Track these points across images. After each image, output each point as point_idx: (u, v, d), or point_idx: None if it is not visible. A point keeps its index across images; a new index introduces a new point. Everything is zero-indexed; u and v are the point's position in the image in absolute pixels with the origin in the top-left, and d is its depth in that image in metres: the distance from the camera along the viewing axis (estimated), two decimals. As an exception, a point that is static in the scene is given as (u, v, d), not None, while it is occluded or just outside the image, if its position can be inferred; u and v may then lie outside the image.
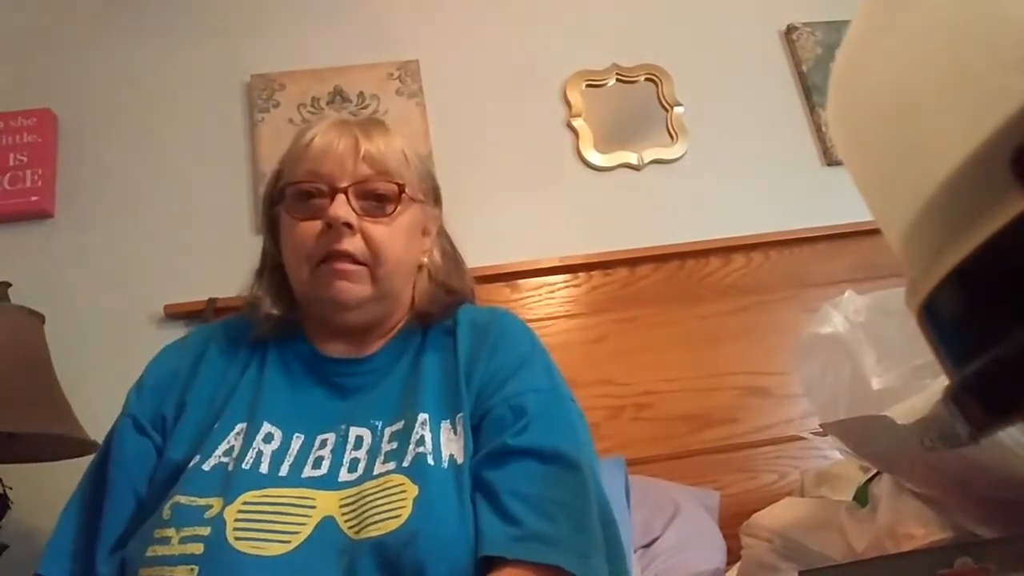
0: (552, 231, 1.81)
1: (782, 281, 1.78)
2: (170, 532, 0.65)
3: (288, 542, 0.64)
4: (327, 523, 0.66)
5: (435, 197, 0.91)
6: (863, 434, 0.77)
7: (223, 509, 0.66)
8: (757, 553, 0.94)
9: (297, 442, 0.74)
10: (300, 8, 1.98)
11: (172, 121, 1.85)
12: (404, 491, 0.67)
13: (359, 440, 0.74)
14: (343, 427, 0.76)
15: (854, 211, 1.69)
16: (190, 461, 0.72)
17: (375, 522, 0.65)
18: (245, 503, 0.66)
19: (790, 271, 1.79)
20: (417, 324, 0.86)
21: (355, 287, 0.78)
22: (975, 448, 0.63)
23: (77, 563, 0.72)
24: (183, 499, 0.67)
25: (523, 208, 1.83)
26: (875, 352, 0.79)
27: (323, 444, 0.74)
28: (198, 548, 0.63)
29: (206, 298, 1.61)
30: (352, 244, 0.78)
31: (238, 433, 0.74)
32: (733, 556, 1.19)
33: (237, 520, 0.65)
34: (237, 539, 0.64)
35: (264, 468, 0.71)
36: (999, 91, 0.20)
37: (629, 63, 2.00)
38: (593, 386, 1.62)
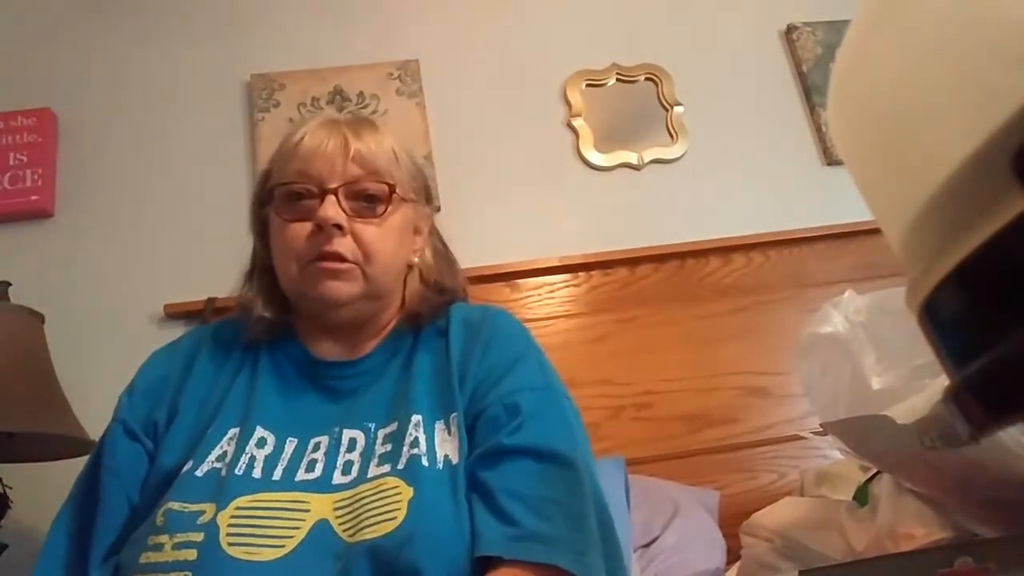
0: (552, 231, 1.81)
1: (782, 281, 1.78)
2: (163, 539, 0.64)
3: (282, 547, 0.64)
4: (321, 526, 0.66)
5: (426, 196, 0.90)
6: (863, 434, 0.77)
7: (216, 515, 0.65)
8: (757, 553, 0.94)
9: (290, 446, 0.74)
10: (300, 8, 1.98)
11: (172, 121, 1.85)
12: (399, 493, 0.66)
13: (352, 442, 0.74)
14: (336, 429, 0.75)
15: (854, 211, 1.69)
16: (183, 467, 0.71)
17: (370, 525, 0.64)
18: (238, 508, 0.66)
19: (790, 271, 1.79)
20: (408, 325, 0.86)
21: (345, 285, 0.78)
22: (975, 448, 0.63)
23: (70, 571, 0.72)
24: (176, 505, 0.67)
25: (523, 208, 1.83)
26: (875, 352, 0.79)
27: (316, 447, 0.74)
28: (191, 554, 0.63)
29: (206, 298, 1.61)
30: (342, 245, 0.77)
31: (231, 438, 0.73)
32: (733, 556, 1.19)
33: (230, 526, 0.64)
34: (231, 544, 0.63)
35: (257, 473, 0.70)
36: (999, 91, 0.20)
37: (629, 63, 2.00)
38: (593, 386, 1.62)
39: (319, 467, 0.71)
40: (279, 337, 0.85)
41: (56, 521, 0.76)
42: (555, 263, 1.74)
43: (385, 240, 0.80)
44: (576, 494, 0.69)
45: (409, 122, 1.86)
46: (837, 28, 2.03)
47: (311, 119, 0.84)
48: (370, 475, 0.70)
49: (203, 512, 0.66)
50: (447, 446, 0.72)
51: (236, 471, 0.70)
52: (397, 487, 0.67)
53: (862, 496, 0.85)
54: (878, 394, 0.75)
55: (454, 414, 0.74)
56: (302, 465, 0.72)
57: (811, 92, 1.99)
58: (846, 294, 0.87)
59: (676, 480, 1.49)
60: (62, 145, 1.80)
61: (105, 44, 1.90)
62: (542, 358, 0.83)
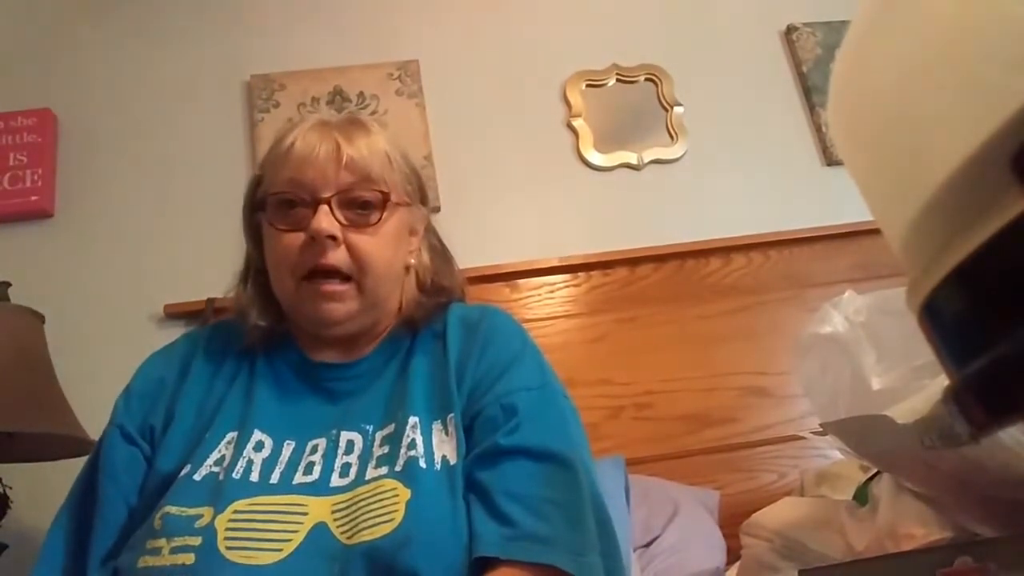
0: (552, 231, 1.81)
1: (782, 281, 1.78)
2: (161, 542, 0.64)
3: (280, 550, 0.64)
4: (319, 529, 0.66)
5: (421, 196, 0.88)
6: (863, 434, 0.77)
7: (214, 518, 0.65)
8: (757, 552, 0.94)
9: (288, 449, 0.73)
10: (300, 8, 1.98)
11: (172, 121, 1.85)
12: (397, 495, 0.66)
13: (350, 445, 0.74)
14: (333, 432, 0.75)
15: (854, 211, 1.70)
16: (180, 471, 0.71)
17: (368, 527, 0.64)
18: (236, 512, 0.66)
19: (790, 271, 1.79)
20: (405, 328, 0.85)
21: (341, 307, 0.77)
22: (975, 448, 0.63)
23: (68, 574, 0.71)
24: (173, 509, 0.66)
25: (523, 208, 1.83)
26: (875, 352, 0.79)
27: (314, 449, 0.73)
28: (189, 558, 0.62)
29: (206, 298, 1.61)
30: (337, 257, 0.76)
31: (228, 442, 0.73)
32: (733, 555, 1.19)
33: (228, 529, 0.64)
34: (228, 548, 0.63)
35: (255, 476, 0.70)
36: (999, 91, 0.20)
37: (629, 63, 2.00)
38: (593, 386, 1.62)
39: (317, 470, 0.71)
40: (275, 342, 0.84)
41: (54, 524, 0.75)
42: (555, 263, 1.74)
43: (380, 249, 0.79)
44: (574, 494, 0.69)
45: (409, 122, 1.86)
46: (837, 28, 2.03)
47: (301, 122, 0.83)
48: (368, 477, 0.70)
49: (201, 516, 0.65)
50: (445, 447, 0.72)
51: (234, 475, 0.69)
52: (395, 489, 0.67)
53: (862, 496, 0.85)
54: (878, 394, 0.75)
55: (451, 415, 0.74)
56: (300, 468, 0.72)
57: (811, 92, 1.99)
58: (846, 294, 0.87)
59: (676, 480, 1.49)
60: (62, 145, 1.80)
61: (105, 44, 1.90)
62: (540, 358, 0.82)
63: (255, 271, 0.87)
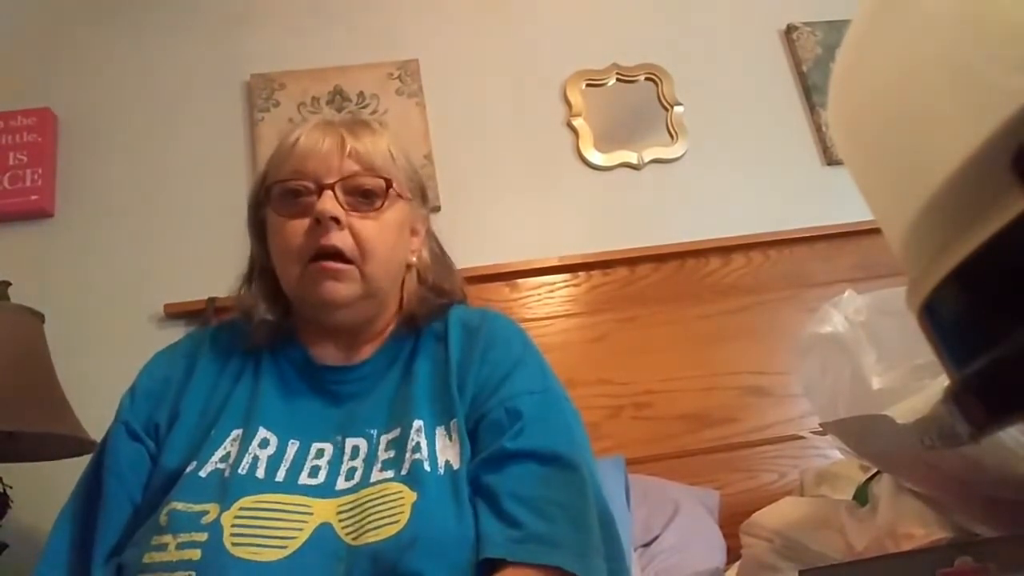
0: (552, 230, 1.81)
1: (782, 281, 1.78)
2: (167, 539, 0.65)
3: (285, 547, 0.64)
4: (324, 529, 0.66)
5: (422, 197, 0.90)
6: (863, 433, 0.77)
7: (220, 515, 0.65)
8: (757, 552, 0.94)
9: (292, 448, 0.74)
10: (300, 8, 1.98)
11: (172, 121, 1.85)
12: (402, 497, 0.67)
13: (355, 450, 0.74)
14: (339, 438, 0.75)
15: (854, 211, 1.70)
16: (186, 468, 0.71)
17: (373, 528, 0.65)
18: (242, 509, 0.66)
19: (790, 271, 1.79)
20: (407, 328, 0.86)
21: (343, 286, 0.78)
22: (975, 448, 0.63)
23: (72, 570, 0.72)
24: (180, 505, 0.67)
25: (523, 208, 1.83)
26: (875, 352, 0.79)
27: (320, 454, 0.74)
28: (195, 554, 0.63)
29: (206, 298, 1.61)
30: (340, 239, 0.77)
31: (234, 439, 0.74)
32: (733, 555, 1.19)
33: (234, 526, 0.65)
34: (234, 545, 0.63)
35: (260, 473, 0.71)
36: (999, 91, 0.20)
37: (629, 63, 2.00)
38: (593, 385, 1.62)
39: (323, 474, 0.72)
40: (280, 340, 0.85)
41: (58, 521, 0.76)
42: (555, 263, 1.74)
43: (382, 235, 0.80)
44: (579, 496, 0.70)
45: (409, 122, 1.86)
46: (837, 28, 2.03)
47: (306, 122, 0.85)
48: (373, 480, 0.70)
49: (207, 512, 0.66)
50: (448, 452, 0.72)
51: (239, 471, 0.70)
52: (400, 492, 0.68)
53: (862, 496, 0.85)
54: (878, 394, 0.75)
55: (454, 419, 0.75)
56: (305, 469, 0.72)
57: (811, 92, 1.99)
58: (846, 294, 0.87)
59: (676, 480, 1.49)
60: (62, 145, 1.80)
61: (105, 44, 1.90)
62: (541, 361, 0.83)
63: (260, 270, 0.88)
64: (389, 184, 0.81)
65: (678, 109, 1.96)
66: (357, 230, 0.78)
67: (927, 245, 0.24)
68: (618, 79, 1.99)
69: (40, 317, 1.41)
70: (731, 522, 1.19)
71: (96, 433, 1.28)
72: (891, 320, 0.79)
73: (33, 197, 1.71)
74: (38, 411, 1.28)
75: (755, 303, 1.76)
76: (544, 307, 1.73)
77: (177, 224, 1.75)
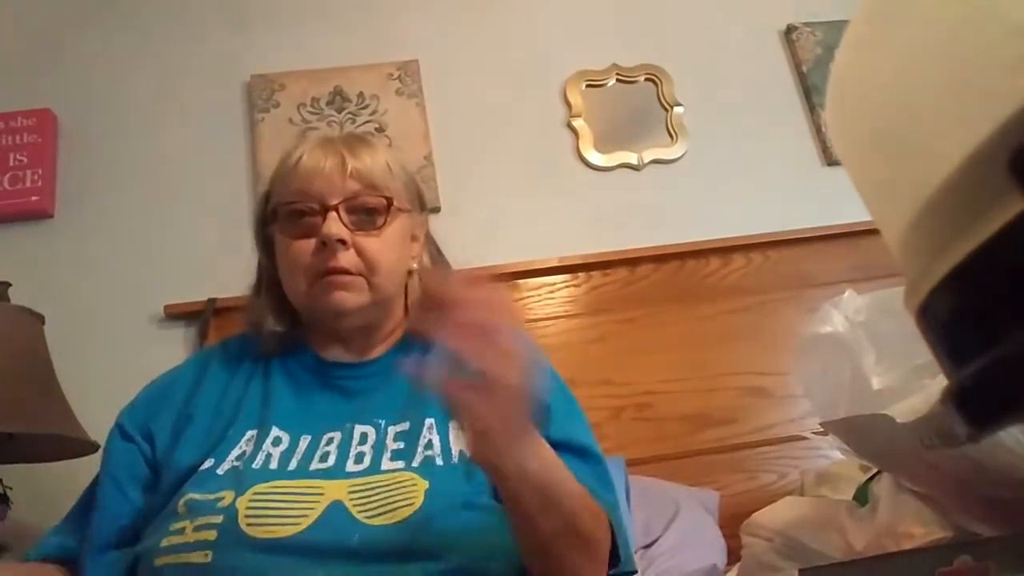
0: (552, 231, 1.81)
1: (782, 281, 1.78)
2: (184, 523, 0.68)
3: (298, 524, 0.67)
4: (336, 506, 0.69)
5: (420, 204, 0.93)
6: (863, 433, 0.77)
7: (235, 500, 0.68)
8: (757, 552, 0.94)
9: (304, 442, 0.77)
10: (300, 8, 1.98)
11: (172, 121, 1.85)
12: (415, 484, 0.70)
13: (363, 436, 0.77)
14: (348, 425, 0.78)
15: (854, 211, 1.69)
16: (201, 465, 0.74)
17: (388, 511, 0.67)
18: (256, 493, 0.69)
19: (790, 271, 1.79)
20: (416, 335, 0.89)
21: (352, 296, 0.81)
22: (975, 448, 0.63)
23: (65, 551, 0.77)
24: (196, 495, 0.70)
25: (523, 208, 1.83)
26: (875, 352, 0.79)
27: (329, 441, 0.77)
28: (212, 534, 0.66)
29: (206, 298, 1.61)
30: (347, 259, 0.80)
31: (249, 439, 0.77)
32: (733, 556, 1.19)
33: (248, 508, 0.67)
34: (249, 525, 0.66)
35: (273, 465, 0.74)
36: (997, 92, 0.20)
37: (629, 63, 2.00)
38: (593, 386, 1.62)
39: (332, 458, 0.75)
40: (289, 348, 0.88)
41: (59, 524, 0.81)
42: (555, 263, 1.74)
43: (387, 251, 0.83)
44: (609, 487, 0.77)
45: (409, 122, 1.86)
46: (837, 28, 2.03)
47: (306, 140, 0.88)
48: (383, 468, 0.73)
49: (222, 498, 0.69)
50: (461, 442, 0.76)
51: (254, 465, 0.73)
52: (413, 479, 0.71)
53: (862, 496, 0.85)
54: (878, 394, 0.75)
55: None
56: (315, 457, 0.75)
57: (811, 92, 1.99)
58: (846, 294, 0.87)
59: (676, 480, 1.49)
60: (62, 145, 1.80)
61: (105, 44, 1.90)
62: (548, 361, 0.87)
63: (268, 283, 0.91)
64: (390, 202, 0.84)
65: (678, 110, 1.96)
66: (362, 248, 0.82)
67: (925, 246, 0.24)
68: (618, 80, 1.99)
69: (40, 318, 1.41)
70: (731, 523, 1.19)
71: (96, 434, 1.28)
72: (891, 320, 0.79)
73: (33, 198, 1.71)
74: (38, 412, 1.28)
75: (755, 304, 1.76)
76: (544, 308, 1.73)
77: (177, 225, 1.75)
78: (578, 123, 1.92)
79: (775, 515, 0.96)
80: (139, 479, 0.78)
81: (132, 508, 0.77)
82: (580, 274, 1.76)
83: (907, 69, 0.24)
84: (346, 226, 0.81)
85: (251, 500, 0.68)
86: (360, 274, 0.81)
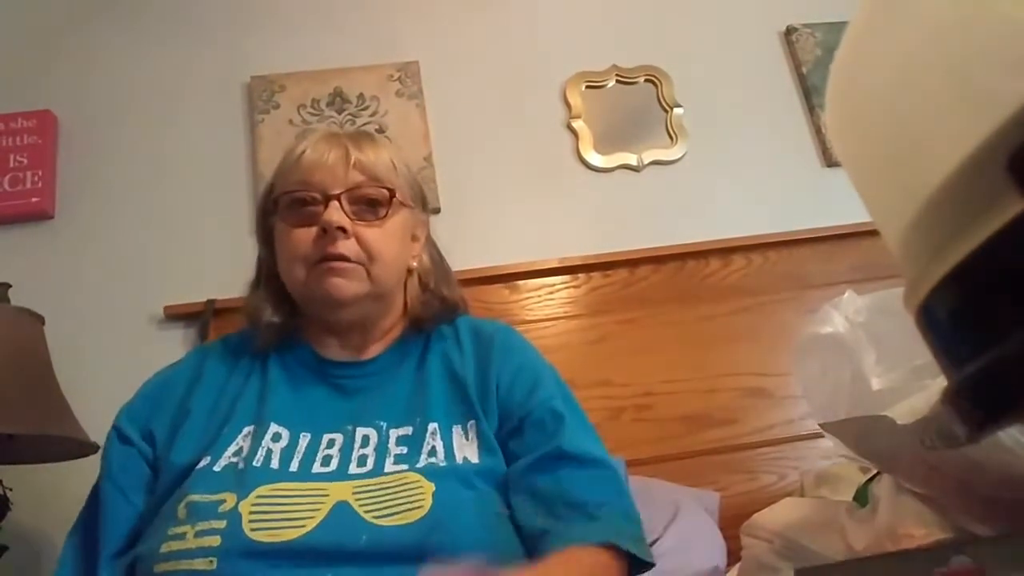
0: (552, 232, 1.81)
1: (782, 282, 1.78)
2: (185, 528, 0.67)
3: (303, 526, 0.66)
4: (342, 506, 0.68)
5: (422, 204, 0.93)
6: (863, 434, 0.77)
7: (238, 503, 0.67)
8: (757, 553, 0.94)
9: (304, 440, 0.76)
10: (300, 10, 1.98)
11: (172, 122, 1.85)
12: (421, 487, 0.70)
13: (365, 439, 0.77)
14: (349, 428, 0.78)
15: (854, 212, 1.68)
16: (198, 463, 0.73)
17: (396, 513, 0.67)
18: (259, 497, 0.68)
19: (790, 272, 1.79)
20: (415, 331, 0.89)
21: (350, 283, 0.81)
22: (975, 448, 0.63)
23: (79, 573, 0.74)
24: (196, 497, 0.69)
25: (523, 209, 1.83)
26: (875, 352, 0.79)
27: (331, 443, 0.76)
28: (215, 540, 0.65)
29: (206, 299, 1.61)
30: (346, 247, 0.80)
31: (246, 435, 0.76)
32: (733, 557, 1.19)
33: (252, 512, 0.67)
34: (253, 530, 0.65)
35: (275, 464, 0.73)
36: (997, 93, 0.20)
37: (629, 64, 2.00)
38: (593, 387, 1.62)
39: (334, 462, 0.74)
40: (287, 341, 0.88)
41: (69, 532, 0.79)
42: (555, 264, 1.74)
43: (387, 241, 0.83)
44: (624, 495, 0.78)
45: (409, 123, 1.86)
46: (837, 29, 2.03)
47: (312, 134, 0.88)
48: (387, 470, 0.73)
49: (224, 501, 0.68)
50: (465, 449, 0.76)
51: (254, 463, 0.72)
52: (419, 481, 0.70)
53: (862, 497, 0.84)
54: (878, 394, 0.75)
55: (472, 421, 0.78)
56: (317, 459, 0.75)
57: (811, 94, 1.99)
58: (846, 294, 0.87)
59: (676, 481, 1.48)
60: (62, 147, 1.80)
61: (105, 45, 1.90)
62: (553, 370, 0.88)
63: (268, 275, 0.91)
64: (392, 194, 0.84)
65: (678, 111, 1.96)
66: (363, 238, 0.81)
67: (924, 246, 0.24)
68: (618, 81, 1.99)
69: (40, 319, 1.41)
70: (731, 524, 1.19)
71: (96, 434, 1.28)
72: (891, 321, 0.79)
73: (33, 199, 1.71)
74: (38, 413, 1.28)
75: (755, 304, 1.76)
76: (544, 309, 1.73)
77: (177, 226, 1.75)
78: (578, 124, 1.92)
79: (775, 516, 0.96)
80: (141, 482, 0.77)
81: (137, 513, 0.76)
82: (580, 275, 1.76)
83: (906, 70, 0.24)
84: (347, 215, 0.81)
85: (254, 504, 0.67)
86: (359, 263, 0.81)
